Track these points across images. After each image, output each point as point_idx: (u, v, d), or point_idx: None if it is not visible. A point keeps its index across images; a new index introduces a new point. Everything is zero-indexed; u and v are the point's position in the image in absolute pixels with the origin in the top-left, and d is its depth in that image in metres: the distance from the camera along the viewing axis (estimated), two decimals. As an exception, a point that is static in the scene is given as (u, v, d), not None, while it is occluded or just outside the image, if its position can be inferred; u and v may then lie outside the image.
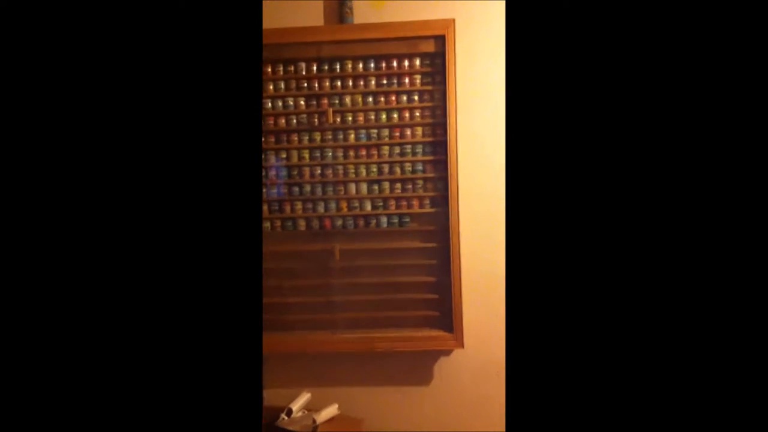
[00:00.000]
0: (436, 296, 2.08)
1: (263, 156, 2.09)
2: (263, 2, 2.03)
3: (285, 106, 2.07)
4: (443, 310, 2.07)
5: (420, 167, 2.05)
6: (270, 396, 2.19)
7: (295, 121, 2.08)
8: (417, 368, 2.16)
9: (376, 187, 2.07)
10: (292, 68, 2.06)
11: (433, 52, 2.00)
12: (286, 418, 2.01)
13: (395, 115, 2.04)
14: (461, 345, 2.04)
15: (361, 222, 2.09)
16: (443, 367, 2.15)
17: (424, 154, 2.04)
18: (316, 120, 2.07)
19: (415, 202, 2.06)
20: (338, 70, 2.04)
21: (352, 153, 2.07)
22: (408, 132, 2.04)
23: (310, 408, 2.09)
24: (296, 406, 2.06)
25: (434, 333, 2.06)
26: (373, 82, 2.04)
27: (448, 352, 2.13)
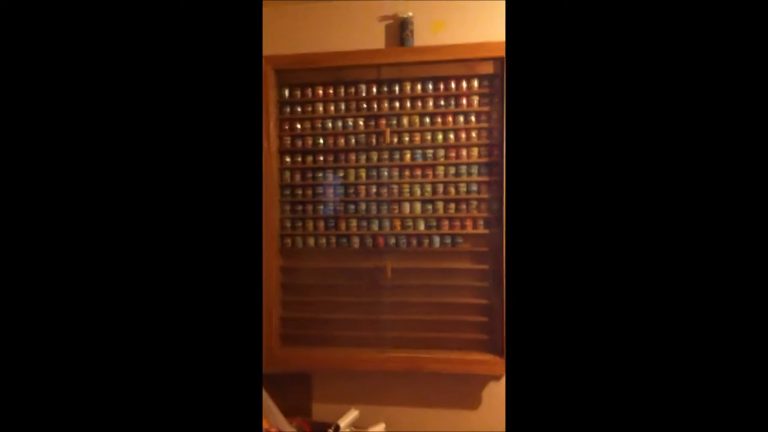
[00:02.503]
0: (486, 319, 2.05)
1: (322, 174, 2.15)
2: (333, 25, 2.13)
3: (344, 126, 2.13)
4: (494, 333, 2.03)
5: (474, 188, 2.04)
6: (319, 411, 2.21)
7: (353, 140, 2.13)
8: (465, 392, 2.11)
9: (429, 206, 2.08)
10: (353, 90, 2.12)
11: (491, 74, 2.01)
12: (333, 433, 2.02)
13: (451, 136, 2.06)
14: (512, 371, 1.98)
15: (414, 241, 2.10)
16: (492, 391, 2.10)
17: (479, 174, 2.04)
18: (374, 140, 2.12)
19: (469, 223, 2.05)
20: (397, 91, 2.09)
21: (407, 172, 2.10)
22: (464, 152, 2.05)
23: (358, 425, 2.08)
24: (344, 422, 2.06)
25: (484, 357, 2.02)
26: (430, 103, 2.07)
27: (498, 377, 2.08)
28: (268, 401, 1.91)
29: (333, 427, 2.03)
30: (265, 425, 1.85)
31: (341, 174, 2.15)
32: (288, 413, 1.93)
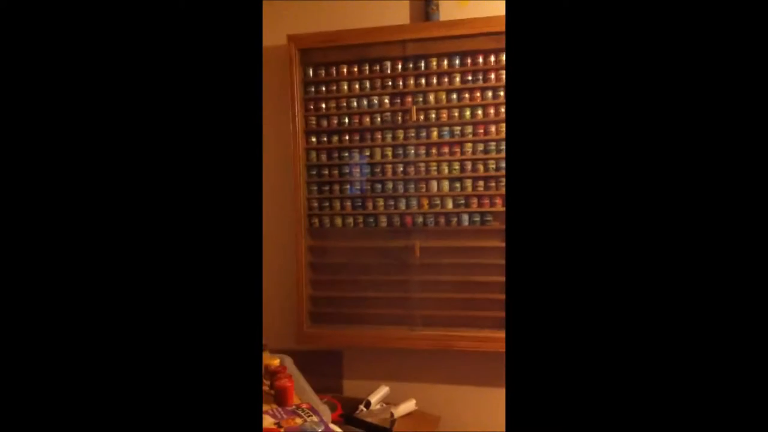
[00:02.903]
0: (517, 297, 2.04)
1: (348, 153, 2.14)
2: (357, 2, 2.09)
3: (369, 104, 2.11)
4: (524, 311, 2.02)
5: (504, 165, 2.00)
6: (349, 388, 2.25)
7: (379, 119, 2.11)
8: (495, 370, 2.12)
9: (458, 184, 2.06)
10: (378, 67, 2.09)
11: (519, 48, 1.96)
12: (365, 409, 2.05)
13: (479, 112, 2.02)
14: (543, 348, 1.98)
15: (442, 220, 2.08)
16: (523, 369, 2.10)
17: (508, 151, 2.00)
18: (399, 118, 2.09)
19: (498, 201, 2.03)
20: (423, 67, 2.05)
21: (434, 150, 2.07)
22: (492, 128, 2.01)
23: (389, 401, 2.11)
24: (375, 398, 2.09)
25: (514, 334, 2.02)
26: (457, 79, 2.03)
27: (528, 355, 2.08)
28: (300, 379, 1.94)
29: (363, 403, 2.07)
30: (297, 401, 1.89)
31: (367, 153, 2.13)
32: (319, 390, 1.96)
